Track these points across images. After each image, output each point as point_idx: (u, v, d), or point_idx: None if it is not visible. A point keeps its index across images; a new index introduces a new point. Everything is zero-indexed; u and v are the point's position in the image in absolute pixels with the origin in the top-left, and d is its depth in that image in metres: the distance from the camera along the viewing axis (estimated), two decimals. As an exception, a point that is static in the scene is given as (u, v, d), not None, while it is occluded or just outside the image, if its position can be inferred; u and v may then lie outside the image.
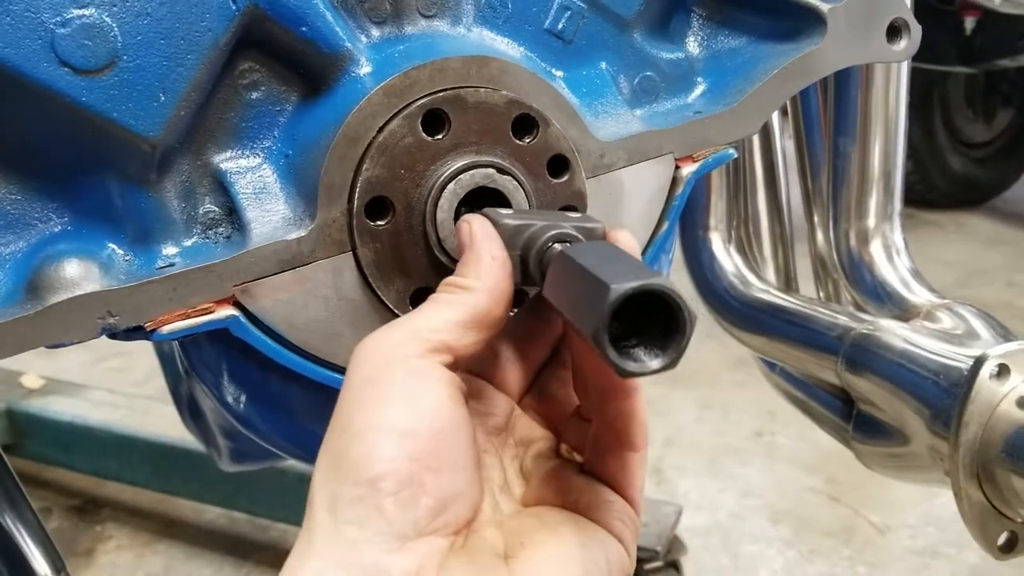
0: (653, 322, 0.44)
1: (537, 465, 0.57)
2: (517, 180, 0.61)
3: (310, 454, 0.73)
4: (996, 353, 0.72)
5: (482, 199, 0.60)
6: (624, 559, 0.54)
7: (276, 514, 2.12)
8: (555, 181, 0.63)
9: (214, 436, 1.17)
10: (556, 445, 0.59)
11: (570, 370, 0.59)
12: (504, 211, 0.57)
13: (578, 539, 0.52)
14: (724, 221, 1.05)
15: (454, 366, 0.51)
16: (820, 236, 1.03)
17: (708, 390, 2.89)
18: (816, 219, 1.05)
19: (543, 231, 0.54)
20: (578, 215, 0.59)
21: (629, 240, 0.55)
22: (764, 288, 1.02)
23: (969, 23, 4.01)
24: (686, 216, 1.05)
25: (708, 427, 2.71)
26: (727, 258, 1.05)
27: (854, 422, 0.91)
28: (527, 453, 0.57)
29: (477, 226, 0.55)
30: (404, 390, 0.49)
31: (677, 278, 0.84)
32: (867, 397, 0.87)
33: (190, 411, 1.26)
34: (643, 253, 0.70)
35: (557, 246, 0.53)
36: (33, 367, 2.49)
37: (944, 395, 0.75)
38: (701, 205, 1.05)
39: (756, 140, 1.10)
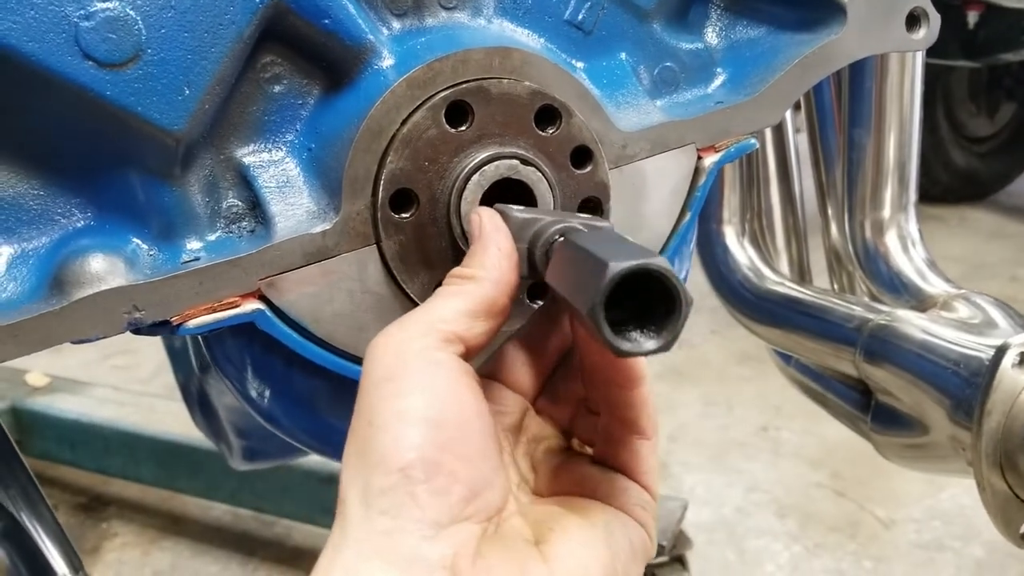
0: (650, 305, 0.44)
1: (548, 459, 0.58)
2: (541, 171, 0.61)
3: (333, 448, 0.74)
4: (1018, 342, 0.72)
5: (506, 190, 0.60)
6: (646, 542, 0.54)
7: (281, 510, 2.12)
8: (578, 172, 0.63)
9: (226, 434, 1.17)
10: (566, 442, 0.59)
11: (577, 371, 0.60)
12: (517, 207, 0.58)
13: (604, 522, 0.52)
14: (738, 214, 1.05)
15: (466, 357, 0.52)
16: (834, 228, 1.03)
17: (713, 385, 2.90)
18: (830, 211, 1.05)
19: (551, 224, 0.54)
20: (588, 216, 0.59)
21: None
22: (779, 280, 1.02)
23: (972, 17, 4.01)
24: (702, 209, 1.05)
25: (713, 422, 2.71)
26: (741, 251, 1.05)
27: (872, 413, 0.91)
28: (540, 448, 0.58)
29: (486, 218, 0.56)
30: (424, 381, 0.49)
31: (692, 271, 0.84)
32: (886, 388, 0.86)
33: (200, 408, 1.25)
34: (666, 244, 0.70)
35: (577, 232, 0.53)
36: (38, 365, 2.49)
37: (965, 385, 0.75)
38: (715, 198, 1.05)
39: (769, 132, 1.10)
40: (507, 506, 0.52)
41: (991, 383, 0.72)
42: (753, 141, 0.70)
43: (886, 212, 0.96)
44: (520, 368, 0.58)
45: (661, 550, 1.72)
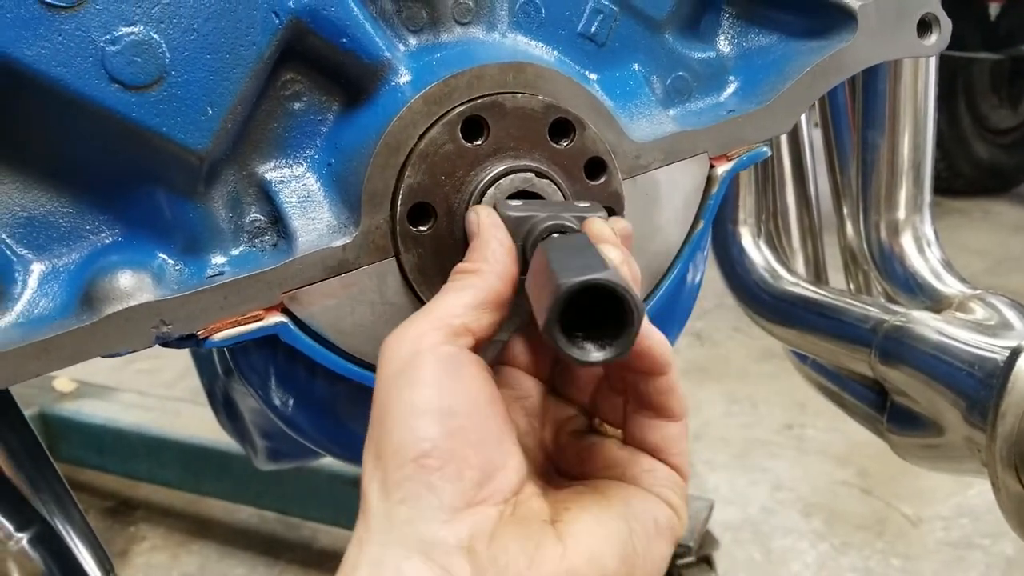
0: (609, 313, 0.46)
1: (574, 440, 0.59)
2: (555, 183, 0.62)
3: (354, 453, 0.75)
4: (1032, 344, 0.73)
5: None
6: (673, 520, 0.55)
7: (307, 513, 2.14)
8: (592, 183, 0.64)
9: (251, 436, 1.19)
10: (588, 421, 0.61)
11: None
12: (513, 202, 0.60)
13: (623, 500, 0.53)
14: (753, 215, 1.06)
15: (475, 348, 0.53)
16: (850, 228, 1.04)
17: (736, 383, 2.89)
18: (845, 211, 1.05)
19: (539, 223, 0.57)
20: (586, 204, 0.61)
21: (603, 229, 0.57)
22: (795, 281, 1.03)
23: (994, 9, 3.97)
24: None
25: (737, 420, 2.70)
26: (757, 252, 1.06)
27: (888, 414, 0.91)
28: (563, 431, 0.59)
29: (484, 215, 0.58)
30: (434, 375, 0.51)
31: (708, 272, 0.85)
32: (901, 389, 0.87)
33: (226, 411, 1.28)
34: (679, 252, 0.71)
35: (555, 235, 0.55)
36: (65, 371, 2.53)
37: (980, 386, 0.76)
38: (730, 199, 1.06)
39: (784, 134, 1.10)
40: (526, 488, 0.53)
41: (1005, 385, 0.72)
42: (765, 149, 0.71)
43: (901, 213, 0.97)
44: (532, 348, 0.60)
45: (688, 550, 1.72)
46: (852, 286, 1.10)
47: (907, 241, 0.96)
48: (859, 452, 2.45)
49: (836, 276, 1.18)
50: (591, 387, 0.60)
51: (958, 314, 0.88)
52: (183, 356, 1.39)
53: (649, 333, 0.52)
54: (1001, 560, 2.06)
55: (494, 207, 0.60)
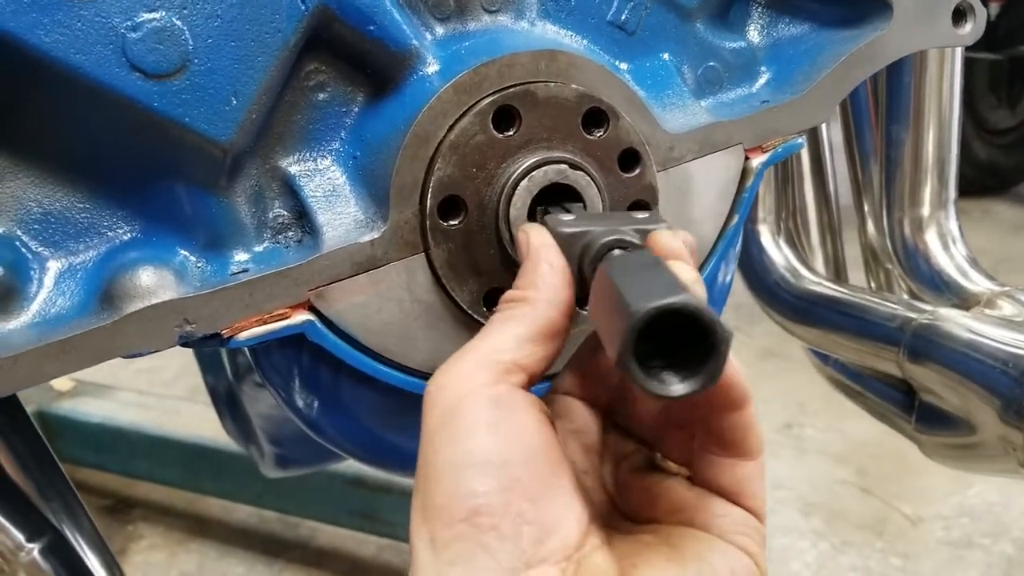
0: (690, 338, 0.41)
1: (637, 479, 0.53)
2: (589, 175, 0.60)
3: (380, 458, 0.73)
4: (1070, 342, 0.71)
5: (555, 195, 0.59)
6: (753, 570, 0.50)
7: (305, 512, 2.12)
8: (626, 175, 0.62)
9: (258, 441, 1.17)
10: (651, 456, 0.55)
11: None
12: (566, 217, 0.55)
13: (696, 553, 0.48)
14: (773, 213, 1.04)
15: (528, 385, 0.49)
16: (872, 226, 1.02)
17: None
18: (867, 209, 1.03)
19: (596, 238, 0.51)
20: (645, 215, 0.56)
21: (672, 243, 0.51)
22: (816, 280, 1.01)
23: (993, 9, 3.96)
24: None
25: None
26: (777, 251, 1.04)
27: (917, 413, 0.89)
28: (624, 467, 0.54)
29: (534, 235, 0.53)
30: (486, 420, 0.46)
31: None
32: (931, 388, 0.85)
33: (230, 414, 1.26)
34: (713, 247, 0.69)
35: (616, 252, 0.50)
36: (63, 370, 2.50)
37: (1015, 384, 0.74)
38: (750, 197, 1.04)
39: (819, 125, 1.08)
40: (588, 540, 0.48)
41: (1043, 384, 0.71)
42: (800, 140, 0.69)
43: (925, 210, 0.95)
44: (591, 378, 0.55)
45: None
46: (873, 284, 1.08)
47: (932, 238, 0.94)
48: (858, 451, 2.44)
49: (855, 275, 1.16)
50: (653, 418, 0.55)
51: (987, 311, 0.86)
52: (182, 355, 1.37)
53: (728, 362, 0.44)
54: (1002, 559, 2.05)
55: (543, 222, 0.55)
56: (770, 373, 2.85)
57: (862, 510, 2.26)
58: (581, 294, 0.52)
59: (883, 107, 0.97)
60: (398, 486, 1.93)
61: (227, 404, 1.23)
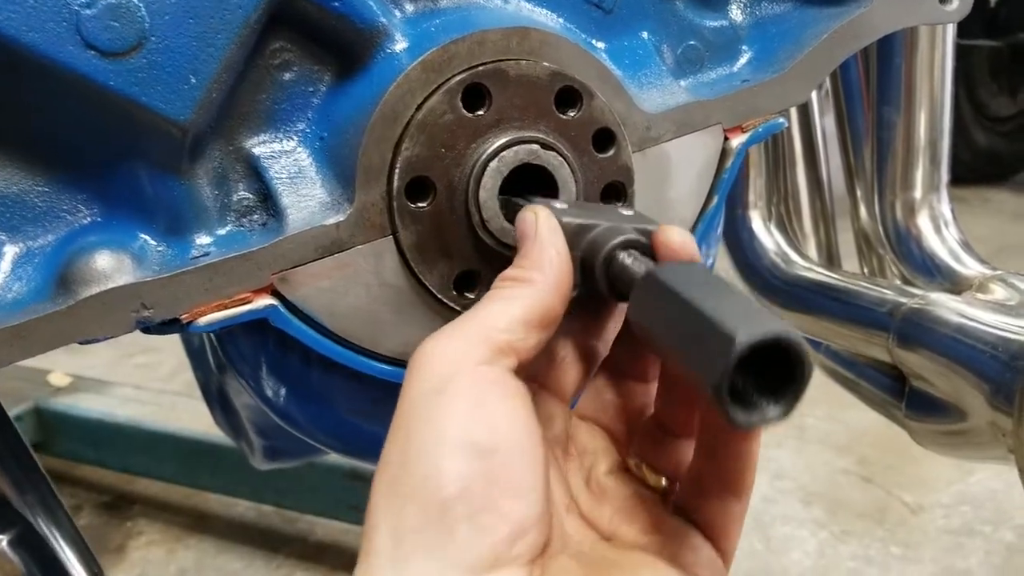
0: (766, 365, 0.39)
1: (613, 485, 0.51)
2: (562, 155, 0.58)
3: (352, 447, 0.72)
4: (1061, 324, 0.69)
5: (526, 177, 0.58)
6: None
7: (304, 507, 2.11)
8: (601, 156, 0.60)
9: (247, 433, 1.16)
10: (621, 457, 0.53)
11: (626, 371, 0.54)
12: (558, 204, 0.54)
13: None
14: (764, 198, 1.02)
15: (517, 372, 0.46)
16: (864, 210, 1.00)
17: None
18: (859, 193, 1.01)
19: (608, 236, 0.50)
20: (631, 213, 0.55)
21: (690, 246, 0.49)
22: (808, 266, 0.99)
23: (994, -4, 3.93)
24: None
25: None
26: (768, 236, 1.02)
27: (907, 400, 0.88)
28: (595, 468, 0.52)
29: (543, 218, 0.50)
30: (474, 401, 0.43)
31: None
32: (921, 373, 0.84)
33: (221, 407, 1.24)
34: (692, 229, 0.67)
35: (623, 255, 0.49)
36: (59, 365, 2.49)
37: (1005, 369, 0.72)
38: (740, 182, 1.02)
39: (795, 113, 1.06)
40: (554, 543, 0.46)
41: (1032, 367, 0.69)
42: (782, 120, 0.67)
43: (917, 192, 0.93)
44: (564, 366, 0.52)
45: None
46: (866, 269, 1.06)
47: (924, 221, 0.92)
48: (859, 441, 2.43)
49: (849, 262, 1.15)
50: (631, 417, 0.53)
51: (978, 295, 0.84)
52: (179, 350, 1.36)
53: None
54: (1001, 547, 2.04)
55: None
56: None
57: (863, 499, 2.25)
58: (583, 286, 0.50)
59: (874, 89, 0.96)
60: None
61: (216, 397, 1.22)
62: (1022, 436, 0.70)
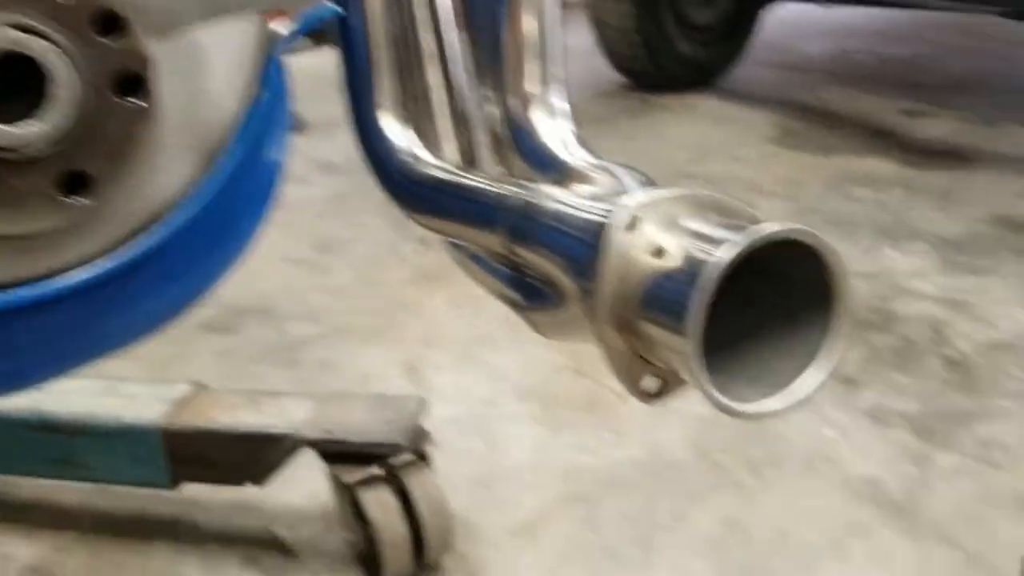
0: None
1: None
2: (54, 42, 0.52)
3: None
4: (627, 202, 0.72)
5: (13, 70, 0.51)
6: None
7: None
8: (108, 43, 0.54)
9: None
10: None
11: None
12: None
13: None
14: (392, 98, 1.00)
15: None
16: (491, 108, 1.00)
17: (462, 286, 2.91)
18: (487, 92, 1.02)
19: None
20: None
21: None
22: (438, 165, 0.99)
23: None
24: (355, 95, 0.99)
25: (463, 321, 2.75)
26: (399, 137, 1.00)
27: (524, 293, 0.90)
28: None
29: None
30: None
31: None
32: (528, 264, 0.86)
33: None
34: (246, 124, 0.63)
35: None
36: None
37: (589, 250, 0.75)
38: (366, 83, 0.99)
39: (425, 12, 1.04)
40: None
41: (603, 245, 0.72)
42: (330, 5, 0.64)
43: (533, 87, 0.95)
44: None
45: (400, 448, 1.71)
46: (503, 169, 1.08)
47: (537, 115, 0.94)
48: (573, 338, 2.56)
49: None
50: None
51: (580, 185, 0.87)
52: None
53: None
54: (694, 419, 2.24)
55: None
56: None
57: (576, 392, 2.38)
58: None
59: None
60: (92, 426, 1.79)
61: None
62: (598, 312, 0.73)
